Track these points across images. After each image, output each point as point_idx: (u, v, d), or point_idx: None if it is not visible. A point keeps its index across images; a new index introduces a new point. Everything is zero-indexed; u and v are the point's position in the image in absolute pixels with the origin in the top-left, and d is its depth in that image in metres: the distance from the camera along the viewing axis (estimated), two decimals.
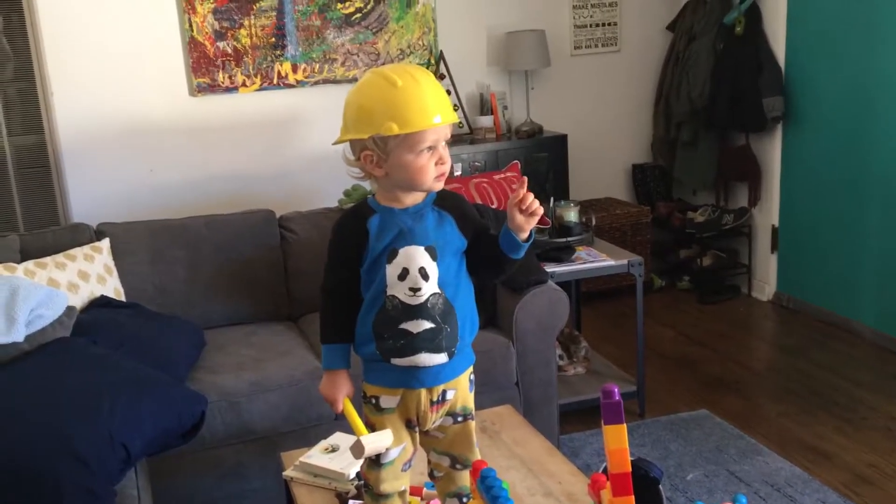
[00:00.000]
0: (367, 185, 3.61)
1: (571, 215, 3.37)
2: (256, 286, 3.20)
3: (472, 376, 1.65)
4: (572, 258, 3.22)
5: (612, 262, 3.22)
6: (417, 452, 1.66)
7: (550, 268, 3.11)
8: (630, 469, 1.37)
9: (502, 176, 3.45)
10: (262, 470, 2.61)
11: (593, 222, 3.47)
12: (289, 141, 4.18)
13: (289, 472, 2.09)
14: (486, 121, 4.41)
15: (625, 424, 1.36)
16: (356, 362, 1.62)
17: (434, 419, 1.61)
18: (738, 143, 4.59)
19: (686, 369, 3.79)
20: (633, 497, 1.37)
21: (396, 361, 1.54)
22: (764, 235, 4.57)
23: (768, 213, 4.52)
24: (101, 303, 2.79)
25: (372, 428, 1.59)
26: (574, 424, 3.24)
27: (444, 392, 1.58)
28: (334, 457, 2.08)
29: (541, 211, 1.51)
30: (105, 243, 2.98)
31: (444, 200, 1.59)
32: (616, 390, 1.37)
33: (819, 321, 4.22)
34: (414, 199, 1.56)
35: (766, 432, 3.16)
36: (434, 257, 1.53)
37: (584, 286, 4.26)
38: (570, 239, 3.32)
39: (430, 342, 1.53)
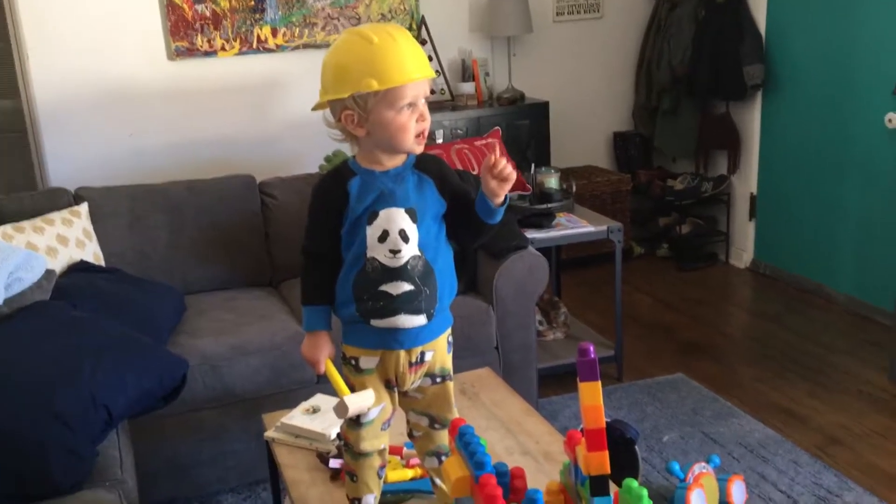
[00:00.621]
0: (348, 151, 3.60)
1: (552, 182, 3.39)
2: (237, 251, 3.20)
3: (451, 338, 1.67)
4: (552, 224, 3.24)
5: (591, 229, 3.25)
6: (396, 412, 1.68)
7: (531, 233, 3.13)
8: (604, 425, 1.40)
9: (483, 142, 3.45)
10: (243, 432, 2.64)
11: (574, 189, 3.49)
12: (269, 106, 4.15)
13: (270, 433, 2.11)
14: (468, 87, 4.40)
15: (599, 382, 1.39)
16: (336, 324, 1.64)
17: (412, 380, 1.63)
18: (718, 112, 4.61)
19: (663, 335, 3.84)
20: (607, 452, 1.40)
21: (376, 323, 1.55)
22: (742, 203, 4.61)
23: (747, 182, 4.55)
24: (80, 267, 2.78)
25: (352, 388, 1.61)
26: (552, 388, 3.28)
27: (422, 353, 1.60)
28: (315, 418, 2.10)
29: (513, 176, 1.51)
30: (84, 208, 2.97)
31: (425, 163, 1.60)
32: (591, 348, 1.39)
33: (795, 288, 4.29)
34: (394, 161, 1.57)
35: (741, 396, 3.22)
36: (414, 219, 1.54)
37: (564, 253, 4.30)
38: (550, 205, 3.34)
39: (409, 304, 1.54)
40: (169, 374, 2.28)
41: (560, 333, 3.54)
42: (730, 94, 4.42)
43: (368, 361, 1.59)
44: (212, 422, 2.62)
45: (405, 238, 1.53)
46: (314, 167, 3.50)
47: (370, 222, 1.53)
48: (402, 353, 1.58)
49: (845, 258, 4.01)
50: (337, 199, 1.55)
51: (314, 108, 1.59)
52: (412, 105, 1.50)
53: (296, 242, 3.33)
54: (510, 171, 1.50)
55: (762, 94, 4.37)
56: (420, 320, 1.57)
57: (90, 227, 2.95)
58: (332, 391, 2.32)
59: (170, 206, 3.15)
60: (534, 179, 3.41)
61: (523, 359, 2.94)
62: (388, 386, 1.62)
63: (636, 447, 2.59)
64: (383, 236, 1.53)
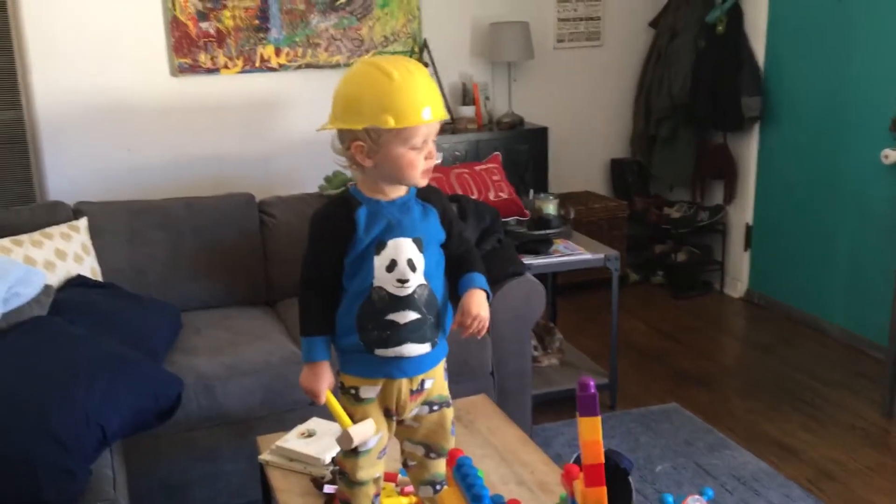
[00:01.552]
0: (348, 172, 3.61)
1: (550, 208, 3.40)
2: (235, 270, 3.19)
3: (445, 365, 1.68)
4: (550, 251, 3.26)
5: (589, 256, 3.26)
6: (392, 440, 1.68)
7: (528, 260, 3.14)
8: (603, 460, 1.40)
9: (483, 167, 3.47)
10: (236, 453, 2.62)
11: (571, 215, 3.51)
12: (270, 125, 4.16)
13: (264, 456, 2.10)
14: (468, 111, 4.42)
15: (599, 417, 1.39)
16: (333, 352, 1.63)
17: (411, 408, 1.63)
18: (715, 141, 4.65)
19: (657, 363, 3.85)
20: (605, 488, 1.41)
21: (380, 352, 1.55)
22: (738, 233, 4.63)
23: (743, 212, 4.58)
24: (77, 282, 2.78)
25: (351, 418, 1.60)
26: (547, 414, 3.28)
27: (423, 381, 1.60)
28: (310, 442, 2.09)
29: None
30: (83, 222, 2.96)
31: (428, 194, 1.61)
32: (592, 383, 1.40)
33: (789, 319, 4.30)
34: (398, 192, 1.58)
35: (734, 427, 3.22)
36: (421, 249, 1.55)
37: (560, 278, 4.30)
38: (548, 231, 3.35)
39: (415, 333, 1.55)
40: (164, 393, 2.27)
41: (555, 359, 3.54)
42: (728, 125, 4.46)
43: (369, 391, 1.59)
44: (205, 441, 2.61)
45: (413, 267, 1.54)
46: (313, 187, 3.51)
47: (378, 252, 1.53)
48: (405, 382, 1.58)
49: (838, 291, 4.03)
50: (343, 228, 1.55)
51: (320, 129, 1.59)
52: (424, 143, 1.51)
53: (294, 262, 3.32)
54: (482, 330, 1.59)
55: (759, 126, 4.40)
56: (425, 348, 1.57)
57: (89, 242, 2.94)
58: (328, 415, 2.32)
59: (168, 223, 3.14)
60: (532, 205, 3.42)
61: (519, 385, 2.94)
62: (387, 414, 1.62)
63: (630, 478, 2.58)
64: (391, 266, 1.53)
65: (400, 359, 1.56)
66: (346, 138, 1.54)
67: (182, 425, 2.53)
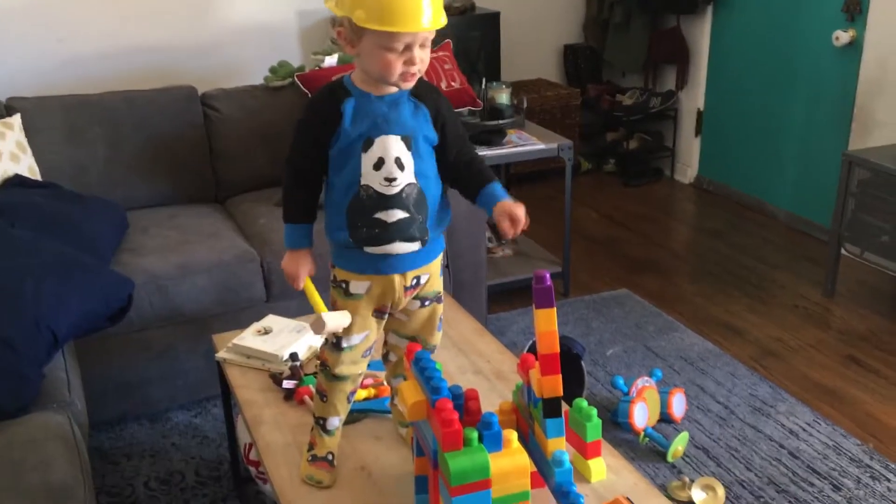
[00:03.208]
0: (295, 62, 3.48)
1: (503, 98, 3.34)
2: (180, 166, 3.11)
3: (445, 261, 1.66)
4: (503, 142, 3.22)
5: (542, 146, 3.24)
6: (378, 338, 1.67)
7: (482, 151, 3.10)
8: (558, 350, 1.42)
9: (434, 56, 3.36)
10: (192, 351, 2.62)
11: (524, 105, 3.45)
12: (211, 11, 3.96)
13: (221, 354, 2.10)
14: None
15: (555, 308, 1.41)
16: (319, 241, 1.61)
17: (405, 303, 1.62)
18: (668, 25, 4.58)
19: (609, 250, 3.90)
20: (560, 376, 1.43)
21: (370, 250, 1.53)
22: (689, 119, 4.64)
23: (694, 97, 4.57)
24: (15, 182, 2.67)
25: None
26: (501, 304, 3.33)
27: (417, 277, 1.59)
28: (267, 339, 2.09)
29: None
30: (16, 119, 2.83)
31: (421, 92, 1.54)
32: (548, 276, 1.40)
33: (737, 203, 4.38)
34: (389, 87, 1.51)
35: (683, 310, 3.32)
36: (409, 147, 1.51)
37: (514, 169, 4.29)
38: (501, 122, 3.30)
39: (403, 232, 1.52)
40: (114, 294, 2.24)
41: (509, 250, 3.57)
42: (681, 8, 4.38)
43: (359, 286, 1.57)
44: (159, 341, 2.59)
45: (400, 166, 1.50)
46: (258, 78, 3.39)
47: (365, 150, 1.48)
48: (397, 278, 1.57)
49: (786, 175, 4.09)
50: (328, 118, 1.49)
51: (327, 2, 1.48)
52: (406, 48, 1.42)
53: (242, 158, 3.27)
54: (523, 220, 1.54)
55: (713, 9, 4.34)
56: (414, 247, 1.55)
57: (24, 140, 2.82)
58: (283, 311, 2.32)
59: (107, 119, 3.03)
60: (484, 95, 3.36)
61: (474, 277, 2.96)
62: (378, 313, 1.62)
63: (582, 362, 2.66)
64: (378, 164, 1.49)
65: (389, 256, 1.54)
66: (337, 19, 1.46)
67: (135, 325, 2.51)
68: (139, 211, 2.97)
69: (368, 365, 1.68)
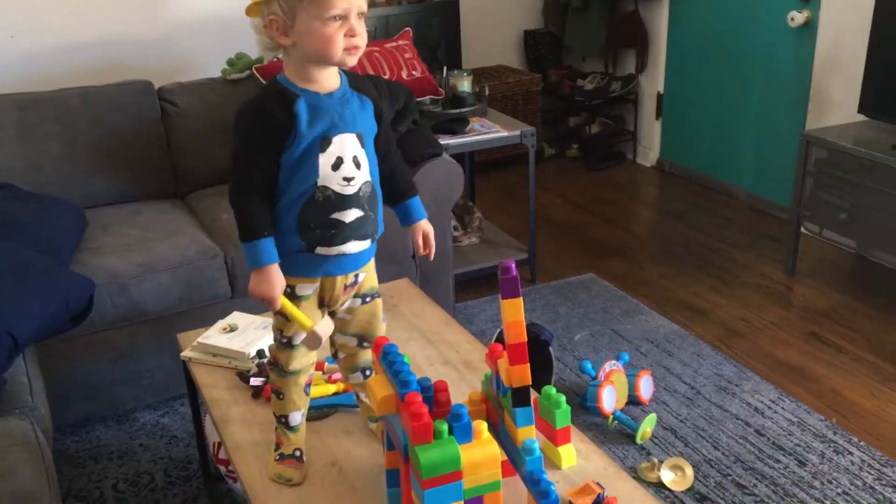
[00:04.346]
0: (253, 54, 3.44)
1: (465, 85, 3.34)
2: (138, 162, 3.05)
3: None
4: (466, 130, 3.22)
5: (505, 133, 3.24)
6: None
7: (445, 140, 3.10)
8: (526, 339, 1.43)
9: (394, 44, 3.35)
10: (157, 351, 2.59)
11: (486, 93, 3.45)
12: (165, 3, 3.89)
13: (187, 353, 2.07)
14: None
15: (521, 298, 1.41)
16: None
17: (344, 301, 1.62)
18: (627, 10, 4.60)
19: (574, 235, 3.93)
20: (528, 365, 1.44)
21: (322, 251, 1.50)
22: (649, 102, 4.67)
23: (654, 81, 4.60)
24: None
25: (284, 315, 1.57)
26: (468, 293, 3.33)
27: (357, 275, 1.59)
28: (233, 336, 2.07)
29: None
30: None
31: (360, 84, 1.53)
32: (513, 266, 1.40)
33: (699, 185, 4.42)
34: (330, 81, 1.48)
35: (648, 293, 3.35)
36: (363, 144, 1.50)
37: (477, 156, 4.28)
38: (463, 110, 3.30)
39: (357, 230, 1.51)
40: (75, 296, 2.20)
41: (475, 238, 3.57)
42: None
43: (306, 288, 1.55)
44: (123, 341, 2.55)
45: (357, 164, 1.48)
46: (216, 71, 3.34)
47: (323, 150, 1.45)
48: (339, 278, 1.56)
49: (746, 155, 4.14)
50: (281, 123, 1.43)
51: (248, 12, 1.46)
52: (343, 18, 1.40)
53: (202, 152, 3.22)
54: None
55: None
56: (365, 245, 1.55)
57: None
58: (249, 308, 2.29)
59: (62, 116, 2.96)
60: (446, 83, 3.35)
61: (440, 266, 2.96)
62: (320, 305, 1.61)
63: (550, 349, 2.67)
64: (337, 164, 1.46)
65: (341, 256, 1.53)
66: (264, 13, 1.43)
67: (97, 326, 2.47)
68: (98, 209, 2.92)
69: (329, 359, 1.68)
